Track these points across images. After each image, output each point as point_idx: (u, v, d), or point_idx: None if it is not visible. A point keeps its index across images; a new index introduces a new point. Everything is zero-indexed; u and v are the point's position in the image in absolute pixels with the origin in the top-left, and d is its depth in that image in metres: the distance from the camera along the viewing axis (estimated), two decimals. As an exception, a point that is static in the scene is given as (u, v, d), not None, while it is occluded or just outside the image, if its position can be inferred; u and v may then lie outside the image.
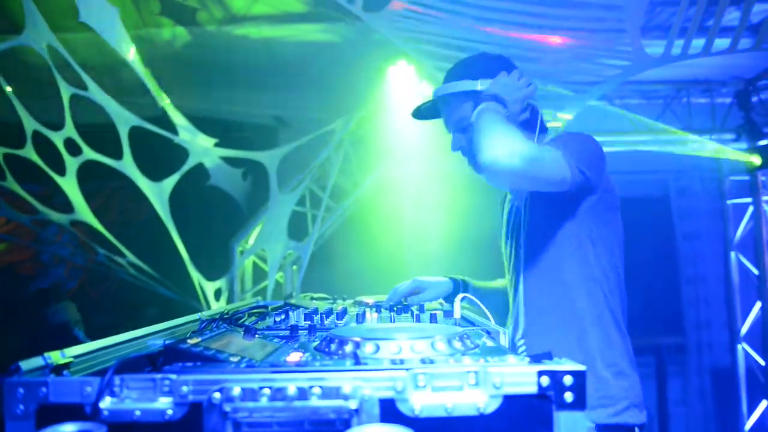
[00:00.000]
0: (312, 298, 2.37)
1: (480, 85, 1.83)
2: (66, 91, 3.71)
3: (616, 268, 1.78)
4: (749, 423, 5.09)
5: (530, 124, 1.88)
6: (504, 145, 1.59)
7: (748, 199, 5.19)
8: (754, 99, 4.92)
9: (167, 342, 1.20)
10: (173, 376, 0.89)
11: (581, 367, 0.91)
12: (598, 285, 1.74)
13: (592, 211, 1.74)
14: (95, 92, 3.73)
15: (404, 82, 4.50)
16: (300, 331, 1.43)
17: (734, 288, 5.34)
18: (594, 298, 1.74)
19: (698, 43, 3.25)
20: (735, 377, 5.21)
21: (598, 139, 1.81)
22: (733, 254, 5.34)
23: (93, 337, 1.14)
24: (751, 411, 5.14)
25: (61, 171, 4.12)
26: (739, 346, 5.23)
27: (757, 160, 4.94)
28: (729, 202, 5.39)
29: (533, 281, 1.80)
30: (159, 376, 0.89)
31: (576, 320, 1.73)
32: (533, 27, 3.15)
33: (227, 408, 0.88)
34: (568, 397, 0.90)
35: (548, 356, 0.99)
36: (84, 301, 5.45)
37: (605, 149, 1.81)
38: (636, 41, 3.21)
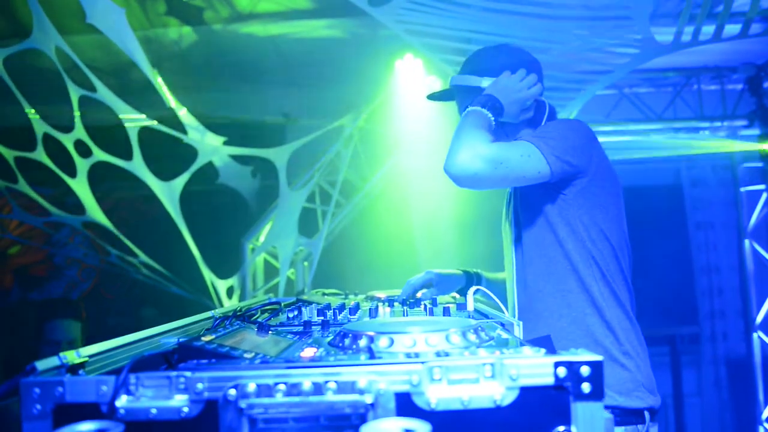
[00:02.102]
0: (324, 294, 2.37)
1: (484, 82, 1.85)
2: (75, 93, 3.72)
3: (615, 250, 1.78)
4: (766, 412, 5.06)
5: (535, 121, 1.88)
6: (465, 151, 1.63)
7: (762, 186, 5.14)
8: (766, 85, 4.86)
9: (181, 340, 1.20)
10: (188, 374, 0.89)
11: (598, 358, 0.90)
12: (598, 267, 1.75)
13: (583, 194, 1.75)
14: (104, 93, 3.73)
15: (412, 76, 4.49)
16: (313, 327, 1.43)
17: (749, 276, 5.29)
18: (594, 280, 1.74)
19: (708, 29, 3.22)
20: (751, 366, 5.18)
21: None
22: (747, 242, 5.30)
23: (107, 337, 1.14)
24: (767, 400, 5.10)
25: (72, 173, 4.14)
26: (755, 335, 5.18)
27: (770, 146, 4.90)
28: (742, 189, 5.34)
29: (531, 267, 1.81)
30: (174, 373, 0.89)
31: (577, 302, 1.74)
32: (540, 16, 3.13)
33: (243, 404, 0.88)
34: (586, 387, 0.90)
35: (548, 340, 0.98)
36: (98, 301, 5.51)
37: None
38: (645, 29, 3.18)
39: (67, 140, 4.00)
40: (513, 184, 1.78)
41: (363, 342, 1.10)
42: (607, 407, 1.65)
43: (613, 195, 1.81)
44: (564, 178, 1.71)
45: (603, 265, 1.75)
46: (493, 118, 1.74)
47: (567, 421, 0.89)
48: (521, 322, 1.32)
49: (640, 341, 1.77)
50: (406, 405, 0.88)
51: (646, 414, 1.70)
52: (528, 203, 1.82)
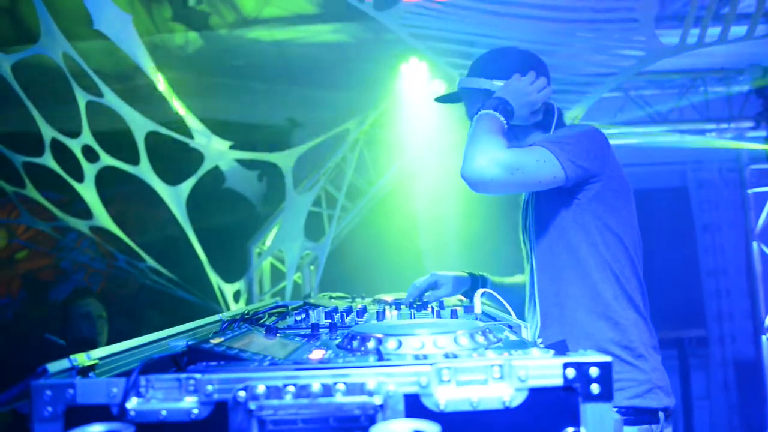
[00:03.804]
0: (331, 298, 2.38)
1: (494, 85, 1.85)
2: (82, 99, 3.74)
3: (629, 252, 1.79)
4: (775, 415, 5.03)
5: (544, 124, 1.89)
6: (482, 157, 1.64)
7: (769, 188, 5.13)
8: (773, 86, 4.85)
9: (190, 342, 1.20)
10: (198, 376, 0.90)
11: (607, 359, 0.90)
12: (611, 270, 1.76)
13: (597, 198, 1.76)
14: (111, 99, 3.75)
15: (417, 80, 4.50)
16: (321, 330, 1.43)
17: (757, 278, 5.26)
18: (608, 283, 1.75)
19: (714, 31, 3.21)
20: (760, 368, 5.14)
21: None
22: (755, 244, 5.27)
23: (116, 341, 1.15)
24: (776, 402, 5.07)
25: (80, 178, 4.16)
26: (764, 337, 5.16)
27: (777, 148, 4.88)
28: (750, 191, 5.32)
29: (547, 273, 1.82)
30: (184, 375, 0.90)
31: (592, 306, 1.75)
32: (546, 19, 3.13)
33: (252, 406, 0.88)
34: (595, 388, 0.90)
35: (563, 344, 0.98)
36: (105, 305, 5.51)
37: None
38: (650, 31, 3.18)
39: (75, 145, 4.02)
40: (529, 189, 1.80)
41: (371, 344, 1.11)
42: (621, 407, 1.66)
43: (626, 198, 1.82)
44: (578, 182, 1.73)
45: (617, 269, 1.76)
46: (505, 122, 1.75)
47: (576, 422, 0.89)
48: (530, 324, 1.32)
49: (654, 343, 1.78)
50: (414, 406, 0.88)
51: (661, 414, 1.70)
52: (543, 209, 1.83)
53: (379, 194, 4.95)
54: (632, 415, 1.68)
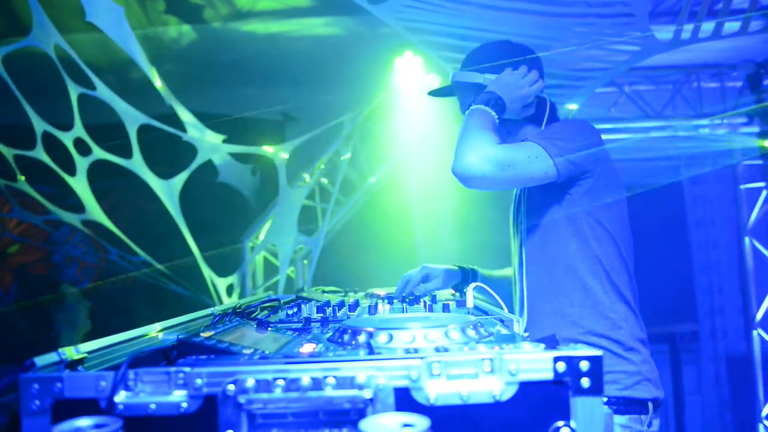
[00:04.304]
0: (323, 291, 2.38)
1: (486, 79, 1.85)
2: (74, 91, 3.72)
3: (620, 248, 1.79)
4: (766, 409, 5.06)
5: (537, 118, 1.89)
6: (473, 153, 1.65)
7: (762, 183, 5.14)
8: (766, 82, 4.85)
9: (181, 336, 1.20)
10: (187, 369, 0.89)
11: (597, 353, 0.90)
12: (601, 265, 1.76)
13: (588, 194, 1.77)
14: (103, 91, 3.73)
15: (411, 74, 4.49)
16: (313, 324, 1.43)
17: (748, 273, 5.28)
18: (598, 278, 1.75)
19: (708, 26, 3.22)
20: (751, 363, 5.17)
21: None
22: (747, 239, 5.29)
23: (107, 335, 1.14)
24: (767, 397, 5.10)
25: (72, 171, 4.14)
26: (755, 332, 5.18)
27: (770, 143, 4.89)
28: (742, 186, 5.33)
29: (536, 266, 1.82)
30: (173, 369, 0.89)
31: (582, 300, 1.75)
32: (540, 13, 3.13)
33: (242, 399, 0.88)
34: (585, 382, 0.90)
35: (553, 339, 0.98)
36: (97, 299, 5.50)
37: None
38: (645, 26, 3.18)
39: (67, 138, 4.00)
40: (521, 185, 1.81)
41: (362, 338, 1.10)
42: (611, 398, 1.68)
43: (617, 193, 1.83)
44: (570, 178, 1.73)
45: (607, 264, 1.76)
46: (496, 116, 1.75)
47: (566, 416, 0.89)
48: (521, 319, 1.33)
49: (644, 336, 1.79)
50: (405, 400, 0.88)
51: (650, 404, 1.72)
52: (534, 204, 1.83)
53: (373, 188, 4.95)
54: (622, 405, 1.70)
